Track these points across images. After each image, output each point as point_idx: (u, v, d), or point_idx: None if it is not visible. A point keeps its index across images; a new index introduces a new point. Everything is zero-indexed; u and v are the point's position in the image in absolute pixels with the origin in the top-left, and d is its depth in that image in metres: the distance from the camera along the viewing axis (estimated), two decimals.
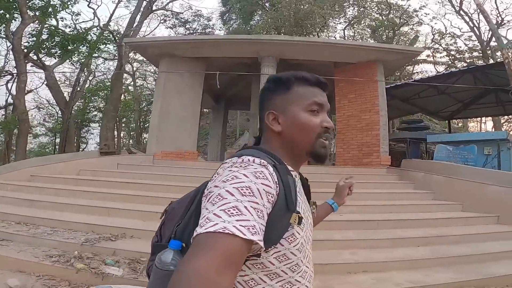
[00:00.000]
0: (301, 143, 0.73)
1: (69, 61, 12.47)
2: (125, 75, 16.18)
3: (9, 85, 14.64)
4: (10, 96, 14.07)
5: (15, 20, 10.75)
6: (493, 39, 17.56)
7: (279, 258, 0.61)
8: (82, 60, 12.79)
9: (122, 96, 15.20)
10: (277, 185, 0.61)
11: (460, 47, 19.29)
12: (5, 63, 14.58)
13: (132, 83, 19.57)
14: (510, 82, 5.74)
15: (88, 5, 13.80)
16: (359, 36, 20.29)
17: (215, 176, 0.63)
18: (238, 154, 0.66)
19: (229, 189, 0.56)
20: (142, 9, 13.04)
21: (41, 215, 4.15)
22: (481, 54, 16.90)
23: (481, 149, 7.92)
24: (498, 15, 17.56)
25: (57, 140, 16.43)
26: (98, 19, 14.20)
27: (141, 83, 20.56)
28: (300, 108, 0.73)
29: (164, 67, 7.79)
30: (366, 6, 17.99)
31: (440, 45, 20.17)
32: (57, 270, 3.01)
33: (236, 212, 0.52)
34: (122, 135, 20.98)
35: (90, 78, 16.83)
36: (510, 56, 6.30)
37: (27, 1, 10.00)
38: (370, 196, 5.10)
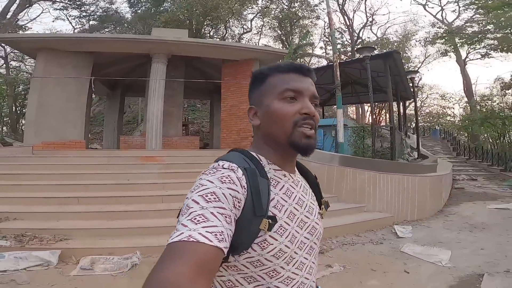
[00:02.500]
0: (278, 134, 0.68)
1: None
2: None
3: None
4: None
5: None
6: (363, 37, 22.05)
7: (253, 263, 0.60)
8: None
9: None
10: (245, 190, 0.59)
11: (345, 41, 23.23)
12: None
13: (4, 65, 16.73)
14: (335, 81, 7.98)
15: None
16: (268, 26, 21.96)
17: None
18: (217, 159, 0.65)
19: (195, 197, 0.55)
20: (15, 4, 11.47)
21: None
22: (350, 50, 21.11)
23: (330, 132, 10.56)
24: (369, 16, 22.11)
25: None
26: None
27: (17, 65, 17.76)
28: (273, 98, 0.70)
29: (42, 60, 7.54)
30: None
31: (329, 38, 23.88)
32: None
33: (202, 219, 0.52)
34: None
35: None
36: (338, 61, 8.54)
37: None
38: None
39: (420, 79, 28.46)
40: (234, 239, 0.56)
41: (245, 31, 20.73)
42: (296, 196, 0.69)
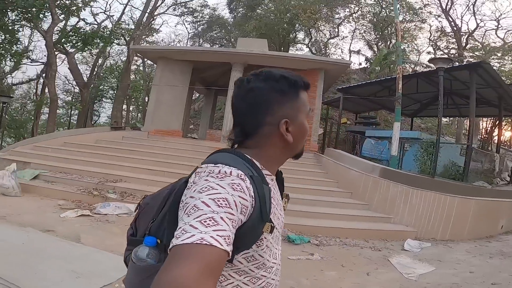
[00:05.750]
0: (300, 148, 0.77)
1: (88, 51, 15.28)
2: (135, 57, 18.69)
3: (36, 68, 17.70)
4: (41, 80, 16.92)
5: (46, 18, 13.35)
6: (469, 43, 19.20)
7: (248, 258, 0.66)
8: (97, 50, 15.59)
9: (132, 76, 17.96)
10: (253, 198, 0.62)
11: (455, 47, 20.60)
12: (29, 44, 17.69)
13: (141, 64, 22.17)
14: (396, 93, 7.90)
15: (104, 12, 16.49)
16: (363, 29, 21.58)
17: (190, 185, 0.63)
18: (213, 161, 0.66)
19: (205, 200, 0.56)
20: (146, 14, 15.45)
21: (73, 167, 6.92)
22: (457, 56, 18.54)
23: (401, 144, 10.23)
24: (480, 20, 18.97)
25: (72, 112, 19.62)
26: (110, 21, 16.85)
27: (151, 63, 23.10)
28: (304, 116, 0.75)
29: (160, 66, 10.28)
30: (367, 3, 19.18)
31: (435, 43, 21.58)
32: (83, 196, 5.69)
33: (213, 223, 0.53)
34: (131, 108, 23.90)
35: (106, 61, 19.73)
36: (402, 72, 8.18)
37: (56, 2, 12.50)
38: (291, 171, 7.34)
39: None
40: (239, 242, 0.60)
41: (331, 36, 20.80)
42: (276, 197, 0.74)
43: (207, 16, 22.18)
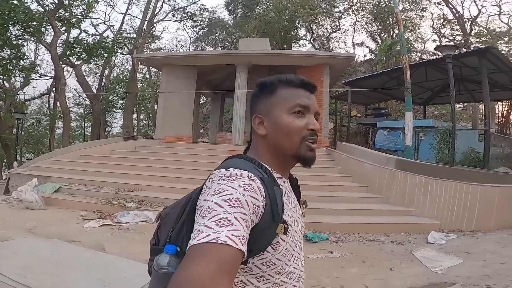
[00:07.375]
0: (286, 146, 0.74)
1: (93, 62, 15.64)
2: (140, 65, 19.00)
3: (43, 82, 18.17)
4: (52, 94, 17.39)
5: (48, 31, 13.65)
6: (474, 29, 18.76)
7: (265, 264, 0.66)
8: (102, 61, 15.96)
9: (140, 84, 18.20)
10: (264, 199, 0.63)
11: (460, 33, 20.16)
12: (35, 58, 18.22)
13: (147, 72, 22.50)
14: (404, 83, 7.77)
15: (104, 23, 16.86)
16: (364, 21, 21.34)
17: (204, 189, 0.65)
18: (225, 166, 0.68)
19: (218, 201, 0.58)
20: (146, 21, 15.70)
21: (91, 179, 7.11)
22: (463, 42, 18.12)
23: (415, 134, 10.07)
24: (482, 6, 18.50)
25: (86, 124, 20.01)
26: (111, 31, 17.24)
27: (156, 70, 23.42)
28: (283, 111, 0.74)
29: (165, 74, 10.40)
30: None
31: (439, 30, 21.21)
32: (103, 206, 5.86)
33: (227, 223, 0.55)
34: (142, 117, 24.26)
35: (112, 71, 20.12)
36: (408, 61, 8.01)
37: (55, 15, 12.80)
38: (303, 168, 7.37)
39: None
40: (252, 244, 0.60)
41: (333, 30, 20.58)
42: (292, 200, 0.75)
43: (207, 20, 22.35)
